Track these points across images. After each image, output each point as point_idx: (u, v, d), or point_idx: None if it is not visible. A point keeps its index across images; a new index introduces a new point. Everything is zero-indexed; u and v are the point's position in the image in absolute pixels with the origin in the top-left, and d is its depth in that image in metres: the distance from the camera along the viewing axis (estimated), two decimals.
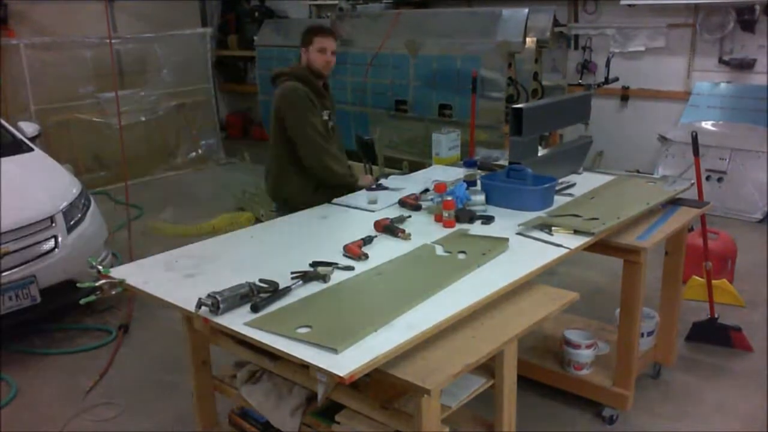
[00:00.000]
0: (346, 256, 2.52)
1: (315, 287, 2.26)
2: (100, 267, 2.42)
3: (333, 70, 3.31)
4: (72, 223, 4.19)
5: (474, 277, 2.34)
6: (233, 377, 2.62)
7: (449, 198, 2.88)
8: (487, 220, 2.90)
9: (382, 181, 3.62)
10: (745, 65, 6.35)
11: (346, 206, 3.22)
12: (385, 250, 2.58)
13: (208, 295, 2.08)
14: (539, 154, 3.57)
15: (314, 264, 2.39)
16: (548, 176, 3.14)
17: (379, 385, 2.08)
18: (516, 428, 2.36)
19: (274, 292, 2.17)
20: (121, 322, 4.28)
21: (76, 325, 4.33)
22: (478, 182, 3.23)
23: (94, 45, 7.50)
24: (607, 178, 3.56)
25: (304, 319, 2.01)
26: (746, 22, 6.22)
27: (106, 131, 7.36)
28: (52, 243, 4.02)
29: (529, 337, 3.25)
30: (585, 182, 3.45)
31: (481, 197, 3.05)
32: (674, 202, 3.29)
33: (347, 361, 1.78)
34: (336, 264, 2.42)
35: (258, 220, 5.74)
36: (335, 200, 3.29)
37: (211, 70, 8.80)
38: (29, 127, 5.05)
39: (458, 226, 2.84)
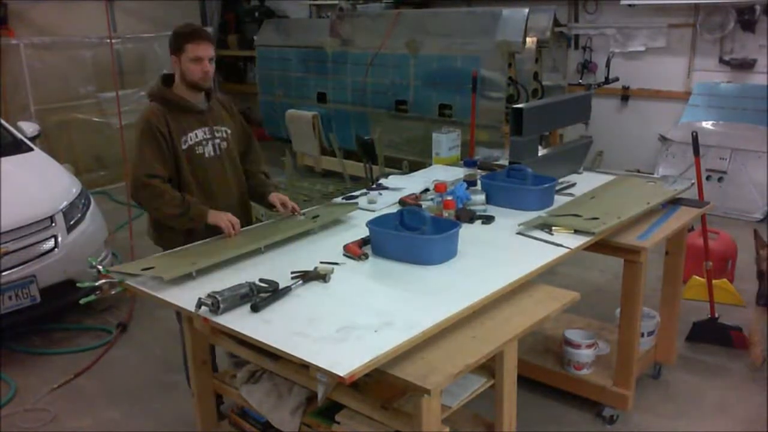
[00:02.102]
0: (346, 256, 2.52)
1: (314, 287, 2.26)
2: (100, 267, 2.42)
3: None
4: (72, 222, 4.19)
5: (475, 276, 2.34)
6: (233, 377, 2.62)
7: (449, 198, 2.87)
8: (488, 219, 2.89)
9: (382, 180, 3.62)
10: (746, 65, 6.35)
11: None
12: None
13: (208, 295, 2.08)
14: (539, 154, 3.57)
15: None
16: (548, 176, 3.14)
17: (379, 385, 2.08)
18: (516, 428, 2.36)
19: (274, 292, 2.17)
20: (119, 321, 4.28)
21: (76, 325, 4.33)
22: (479, 182, 3.23)
23: (94, 45, 7.50)
24: (608, 177, 3.56)
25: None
26: (746, 22, 6.22)
27: (106, 131, 7.36)
28: (51, 243, 4.02)
29: (529, 337, 3.25)
30: (585, 182, 3.45)
31: (482, 197, 3.05)
32: (674, 202, 3.29)
33: (347, 361, 1.78)
34: (336, 264, 2.42)
35: (258, 220, 5.73)
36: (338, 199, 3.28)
37: None
38: (29, 127, 5.05)
39: None
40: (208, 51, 2.77)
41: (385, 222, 2.61)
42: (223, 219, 2.73)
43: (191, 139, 2.83)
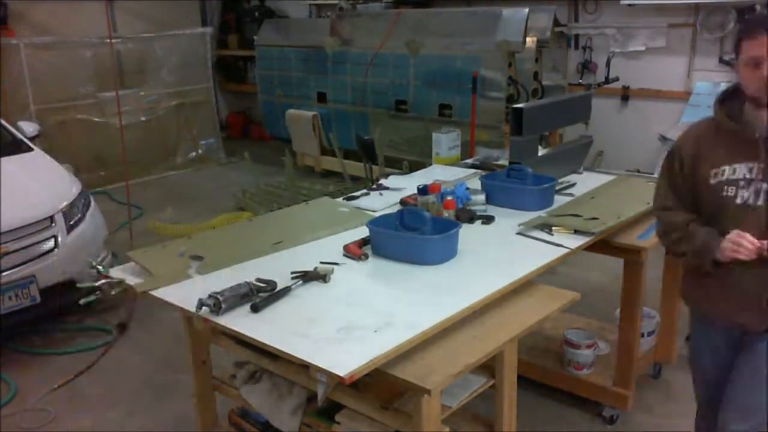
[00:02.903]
0: (346, 256, 2.52)
1: (314, 287, 2.27)
2: (100, 267, 2.42)
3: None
4: (72, 223, 4.19)
5: (474, 276, 2.34)
6: (233, 377, 2.62)
7: (449, 198, 2.87)
8: (488, 219, 2.89)
9: (383, 181, 3.62)
10: None
11: (347, 206, 3.21)
12: None
13: (210, 296, 2.08)
14: (539, 154, 3.57)
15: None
16: (548, 176, 3.14)
17: (379, 385, 2.08)
18: (516, 428, 2.36)
19: (272, 291, 2.17)
20: (119, 321, 4.28)
21: (76, 325, 4.33)
22: (479, 182, 3.23)
23: (94, 45, 7.50)
24: (608, 177, 3.55)
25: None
26: None
27: (106, 131, 7.35)
28: (52, 243, 4.02)
29: (529, 337, 3.24)
30: (585, 182, 3.45)
31: (482, 197, 3.05)
32: None
33: (347, 361, 1.78)
34: (336, 264, 2.42)
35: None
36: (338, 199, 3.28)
37: (211, 70, 8.80)
38: (29, 127, 5.05)
39: None
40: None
41: (385, 222, 2.61)
42: (740, 242, 1.95)
43: (722, 174, 2.06)
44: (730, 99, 2.11)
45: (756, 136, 2.01)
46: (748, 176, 2.02)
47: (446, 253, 2.48)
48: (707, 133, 2.13)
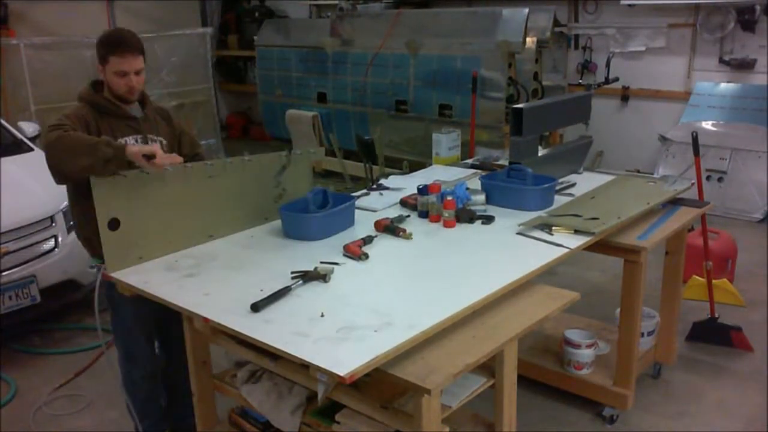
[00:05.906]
0: (347, 256, 2.52)
1: (314, 287, 2.27)
2: (100, 266, 2.41)
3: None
4: (72, 222, 4.18)
5: (474, 276, 2.34)
6: (233, 377, 2.62)
7: (449, 198, 2.87)
8: (488, 219, 2.89)
9: (383, 181, 3.62)
10: (746, 65, 6.35)
11: None
12: (385, 250, 2.58)
13: None
14: (539, 154, 3.57)
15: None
16: (548, 176, 3.14)
17: (379, 385, 2.08)
18: (516, 428, 2.36)
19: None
20: None
21: (76, 325, 4.33)
22: (479, 182, 3.23)
23: (94, 45, 7.47)
24: (608, 177, 3.56)
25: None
26: (746, 22, 6.22)
27: None
28: (52, 243, 4.03)
29: (529, 337, 3.24)
30: (585, 182, 3.45)
31: (482, 197, 3.05)
32: (674, 202, 3.29)
33: (347, 361, 1.78)
34: (336, 264, 2.42)
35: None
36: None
37: (211, 70, 8.79)
38: (29, 127, 5.05)
39: (458, 226, 2.84)
40: (133, 64, 2.57)
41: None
42: (144, 148, 2.40)
43: (130, 140, 2.62)
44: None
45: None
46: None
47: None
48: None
